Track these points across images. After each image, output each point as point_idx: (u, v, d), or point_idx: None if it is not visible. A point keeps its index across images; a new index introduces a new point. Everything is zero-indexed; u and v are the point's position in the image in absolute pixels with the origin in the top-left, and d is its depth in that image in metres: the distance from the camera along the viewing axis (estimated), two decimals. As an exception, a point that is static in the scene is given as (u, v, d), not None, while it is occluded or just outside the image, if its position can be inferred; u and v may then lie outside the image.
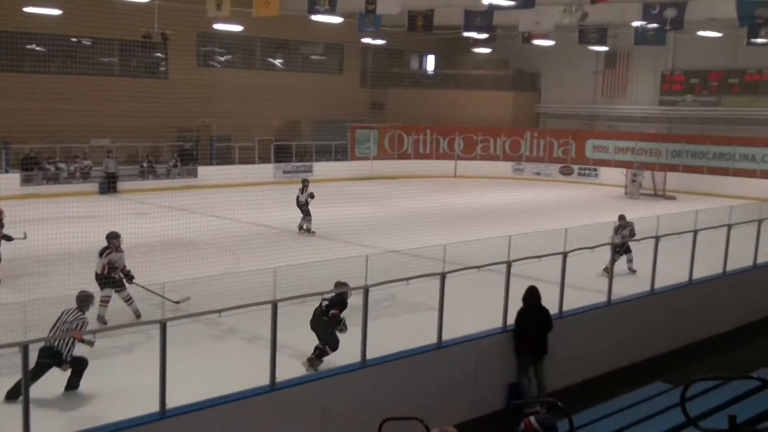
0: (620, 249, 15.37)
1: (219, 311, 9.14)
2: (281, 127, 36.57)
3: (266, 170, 33.33)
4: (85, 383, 9.54)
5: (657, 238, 12.33)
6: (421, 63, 44.56)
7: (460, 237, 13.86)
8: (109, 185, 30.04)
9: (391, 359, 8.94)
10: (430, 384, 9.26)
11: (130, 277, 12.71)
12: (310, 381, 8.28)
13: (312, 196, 20.99)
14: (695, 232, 13.38)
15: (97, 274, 12.51)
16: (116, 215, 19.39)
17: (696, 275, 13.40)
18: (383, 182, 33.44)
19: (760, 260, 14.93)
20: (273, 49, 37.05)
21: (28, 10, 25.77)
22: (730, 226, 15.59)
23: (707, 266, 14.51)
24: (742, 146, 33.13)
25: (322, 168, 34.84)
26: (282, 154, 34.35)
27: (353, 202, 23.38)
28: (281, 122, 36.60)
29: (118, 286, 12.56)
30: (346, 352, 8.89)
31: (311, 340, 11.20)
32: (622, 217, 16.26)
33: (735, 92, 35.43)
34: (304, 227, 21.05)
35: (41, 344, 8.85)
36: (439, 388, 9.34)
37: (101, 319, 12.19)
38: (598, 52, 37.74)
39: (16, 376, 8.28)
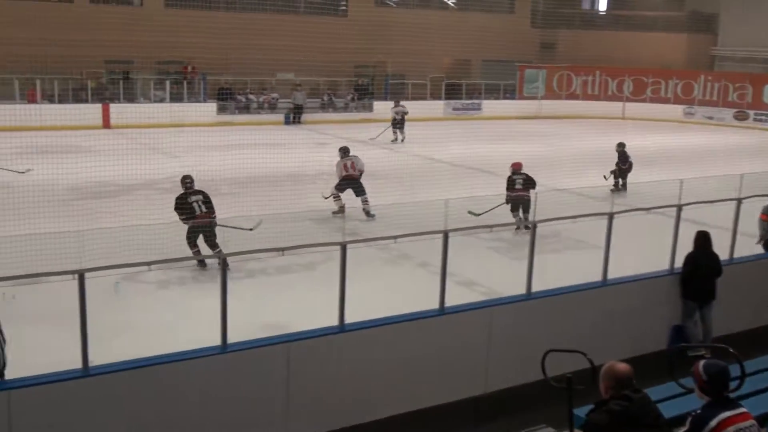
0: None
1: (395, 237, 9.29)
2: (452, 66, 36.22)
3: (437, 107, 33.29)
4: (273, 296, 10.16)
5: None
6: (593, 3, 42.53)
7: (628, 179, 13.24)
8: (294, 116, 31.05)
9: (556, 293, 8.78)
10: (593, 320, 9.03)
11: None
12: (476, 308, 8.28)
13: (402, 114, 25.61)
14: None
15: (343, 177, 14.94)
16: (298, 144, 20.02)
17: None
18: (550, 122, 32.53)
19: None
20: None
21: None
22: None
23: None
24: None
25: (490, 106, 34.42)
26: (452, 92, 34.13)
27: (521, 141, 22.93)
28: (452, 61, 36.23)
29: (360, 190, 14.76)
30: (513, 283, 8.80)
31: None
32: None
33: None
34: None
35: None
36: (602, 325, 9.09)
37: (337, 212, 14.28)
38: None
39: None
